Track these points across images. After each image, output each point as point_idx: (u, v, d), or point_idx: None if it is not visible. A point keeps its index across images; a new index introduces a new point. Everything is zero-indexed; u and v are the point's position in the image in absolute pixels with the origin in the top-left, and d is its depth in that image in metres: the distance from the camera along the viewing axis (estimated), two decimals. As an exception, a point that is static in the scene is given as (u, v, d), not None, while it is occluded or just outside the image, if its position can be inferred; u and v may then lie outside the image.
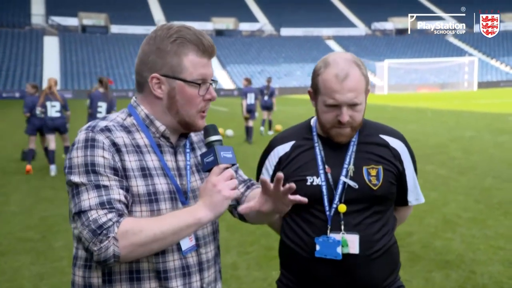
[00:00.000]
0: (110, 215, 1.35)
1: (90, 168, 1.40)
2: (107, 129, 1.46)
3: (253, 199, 1.57)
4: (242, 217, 1.71)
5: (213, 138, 1.51)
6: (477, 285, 4.12)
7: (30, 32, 57.67)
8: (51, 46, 55.61)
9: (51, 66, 51.53)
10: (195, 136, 1.71)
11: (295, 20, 69.47)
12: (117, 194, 1.40)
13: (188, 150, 1.64)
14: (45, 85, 12.35)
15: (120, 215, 1.38)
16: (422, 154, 10.77)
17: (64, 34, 58.95)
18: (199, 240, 1.58)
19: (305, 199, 1.50)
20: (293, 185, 1.44)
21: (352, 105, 1.82)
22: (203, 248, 1.60)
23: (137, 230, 1.35)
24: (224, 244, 5.22)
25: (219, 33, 67.24)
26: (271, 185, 1.47)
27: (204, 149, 1.66)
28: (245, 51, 62.98)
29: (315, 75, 1.88)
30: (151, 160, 1.51)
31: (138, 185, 1.45)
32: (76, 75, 50.24)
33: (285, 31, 68.47)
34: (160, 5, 70.20)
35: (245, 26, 69.36)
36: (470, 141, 12.90)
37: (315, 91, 1.90)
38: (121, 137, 1.47)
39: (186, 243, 1.53)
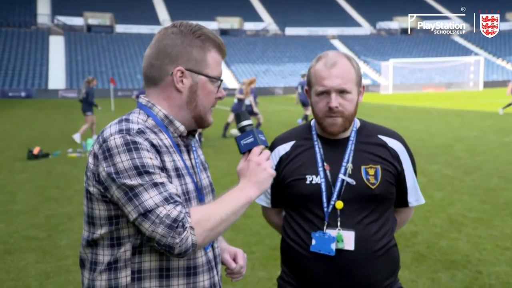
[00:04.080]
0: (178, 208, 1.37)
1: (142, 170, 1.37)
2: (142, 131, 1.44)
3: None
4: None
5: (246, 122, 1.59)
6: (484, 286, 4.10)
7: (36, 31, 57.91)
8: (56, 45, 55.81)
9: (57, 66, 51.73)
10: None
11: (299, 20, 69.39)
12: (173, 188, 1.42)
13: (194, 148, 1.66)
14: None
15: (183, 206, 1.40)
16: (427, 154, 10.74)
17: (70, 33, 59.15)
18: None
19: None
20: None
21: (341, 92, 1.86)
22: (215, 242, 1.65)
23: (207, 216, 1.39)
24: (228, 244, 5.22)
25: (223, 32, 67.25)
26: None
27: (195, 149, 1.72)
28: (250, 51, 62.96)
29: (309, 70, 1.97)
30: (178, 160, 1.52)
31: (176, 185, 1.47)
32: (81, 75, 50.33)
33: (290, 31, 68.40)
34: (165, 4, 70.30)
35: (249, 26, 69.36)
36: (475, 141, 12.84)
37: (309, 86, 1.96)
38: (155, 139, 1.46)
39: None
